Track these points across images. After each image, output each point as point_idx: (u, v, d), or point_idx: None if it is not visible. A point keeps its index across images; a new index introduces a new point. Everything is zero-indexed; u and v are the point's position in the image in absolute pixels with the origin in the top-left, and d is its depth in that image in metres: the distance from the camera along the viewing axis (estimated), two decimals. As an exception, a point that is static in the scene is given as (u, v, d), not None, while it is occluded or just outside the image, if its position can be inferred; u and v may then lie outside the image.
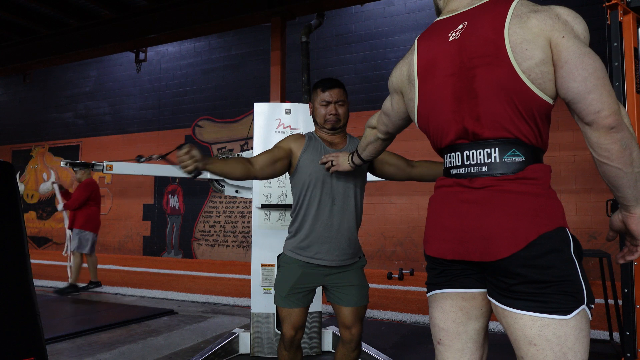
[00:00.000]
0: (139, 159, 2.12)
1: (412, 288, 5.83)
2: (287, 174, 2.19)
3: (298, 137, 2.06)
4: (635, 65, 2.65)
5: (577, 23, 1.02)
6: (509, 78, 1.02)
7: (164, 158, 1.82)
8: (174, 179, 9.79)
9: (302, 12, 4.80)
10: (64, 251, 5.77)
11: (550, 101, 1.03)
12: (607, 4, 2.65)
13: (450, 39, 1.14)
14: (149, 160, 1.96)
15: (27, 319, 1.59)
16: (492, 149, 1.07)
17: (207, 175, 3.13)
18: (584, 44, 1.00)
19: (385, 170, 2.03)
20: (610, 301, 3.49)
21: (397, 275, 6.78)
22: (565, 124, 6.69)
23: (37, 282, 5.75)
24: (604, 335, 3.51)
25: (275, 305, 2.63)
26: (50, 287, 5.77)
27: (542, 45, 1.00)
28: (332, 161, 1.88)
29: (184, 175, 1.78)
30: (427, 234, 1.21)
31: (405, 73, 1.26)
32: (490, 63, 1.05)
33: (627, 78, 2.66)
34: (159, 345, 3.27)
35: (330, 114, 1.98)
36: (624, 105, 2.68)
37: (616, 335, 3.32)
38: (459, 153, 1.13)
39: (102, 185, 10.82)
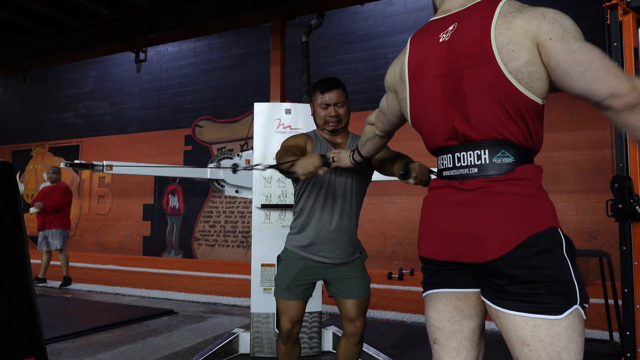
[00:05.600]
0: (234, 169, 2.05)
1: (412, 288, 5.83)
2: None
3: (306, 135, 2.07)
4: (635, 65, 2.65)
5: (563, 19, 1.00)
6: (495, 79, 1.02)
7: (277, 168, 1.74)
8: (174, 179, 9.80)
9: (302, 12, 4.79)
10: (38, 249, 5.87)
11: (539, 101, 1.03)
12: (607, 4, 2.65)
13: (440, 40, 1.14)
14: (252, 167, 1.95)
15: (27, 319, 1.59)
16: (482, 151, 1.08)
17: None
18: (573, 39, 0.98)
19: (386, 167, 2.03)
20: (610, 301, 3.49)
21: (397, 275, 6.78)
22: (565, 124, 6.69)
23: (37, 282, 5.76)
24: (604, 335, 3.51)
25: (275, 305, 2.63)
26: (50, 287, 5.78)
27: (528, 47, 1.00)
28: (333, 157, 1.89)
29: (289, 176, 1.72)
30: (420, 235, 1.22)
31: (398, 72, 1.27)
32: (478, 64, 1.05)
33: (627, 78, 2.65)
34: (159, 345, 3.27)
35: (330, 116, 1.97)
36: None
37: (616, 335, 3.32)
38: (450, 155, 1.14)
39: (102, 185, 10.83)
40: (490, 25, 1.03)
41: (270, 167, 1.81)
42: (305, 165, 1.62)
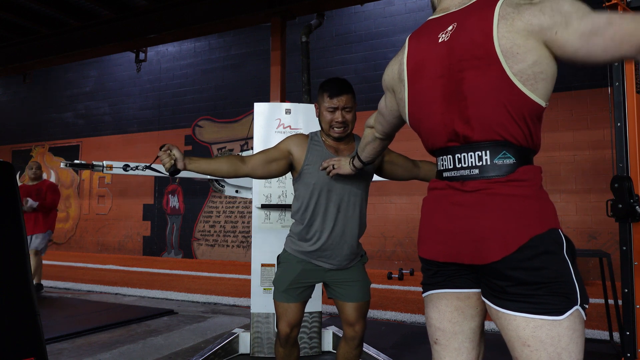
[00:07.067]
0: (125, 168, 2.14)
1: (412, 288, 5.83)
2: (289, 174, 2.17)
3: (300, 138, 2.01)
4: (635, 65, 2.65)
5: (560, 4, 0.97)
6: (499, 81, 1.01)
7: (150, 167, 1.91)
8: (174, 179, 9.80)
9: (302, 12, 4.80)
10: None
11: (542, 103, 1.02)
12: (607, 4, 2.65)
13: (439, 40, 1.13)
14: (135, 169, 2.01)
15: (27, 319, 1.59)
16: (483, 152, 1.07)
17: (198, 175, 3.13)
18: (577, 20, 0.94)
19: (394, 171, 2.01)
20: (610, 301, 3.48)
21: (397, 275, 6.78)
22: (565, 124, 6.69)
23: (37, 282, 5.75)
24: (604, 335, 3.51)
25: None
26: (50, 287, 5.78)
27: (534, 47, 0.98)
28: (333, 165, 1.86)
29: (165, 173, 1.84)
30: (421, 235, 1.22)
31: (397, 72, 1.26)
32: (479, 66, 1.04)
33: (627, 78, 2.66)
34: (159, 345, 3.27)
35: (337, 121, 1.91)
36: (624, 106, 2.68)
37: (616, 335, 3.32)
38: (451, 156, 1.13)
39: (102, 185, 10.83)
40: (492, 28, 1.02)
41: (148, 167, 1.90)
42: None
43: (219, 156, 1.90)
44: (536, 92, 1.01)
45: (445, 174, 1.15)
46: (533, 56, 0.99)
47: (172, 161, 1.73)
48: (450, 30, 1.11)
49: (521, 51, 0.99)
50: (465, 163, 1.10)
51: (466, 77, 1.06)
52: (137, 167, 2.01)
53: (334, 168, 1.86)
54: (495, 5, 1.04)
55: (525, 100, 1.01)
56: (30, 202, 5.11)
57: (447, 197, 1.13)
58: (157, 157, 1.77)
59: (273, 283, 2.04)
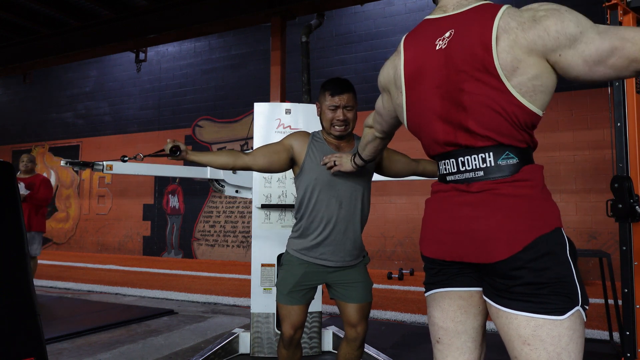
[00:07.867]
0: (123, 159, 2.18)
1: (412, 288, 5.83)
2: (291, 172, 2.18)
3: (302, 134, 2.03)
4: (635, 65, 2.65)
5: (565, 27, 0.97)
6: (498, 93, 1.01)
7: (150, 155, 1.99)
8: (174, 179, 9.80)
9: (302, 12, 4.80)
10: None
11: (540, 113, 1.03)
12: (607, 4, 2.65)
13: (437, 47, 1.12)
14: (134, 159, 2.07)
15: (27, 319, 1.59)
16: (487, 154, 1.07)
17: (198, 174, 3.14)
18: (581, 44, 0.96)
19: (392, 166, 2.03)
20: (610, 301, 3.49)
21: (397, 275, 6.78)
22: (565, 124, 6.69)
23: (37, 282, 5.76)
24: (604, 335, 3.51)
25: (275, 306, 2.61)
26: (51, 287, 5.78)
27: (535, 63, 0.99)
28: (334, 161, 1.87)
29: (165, 155, 1.93)
30: (424, 235, 1.22)
31: (392, 76, 1.25)
32: (478, 79, 1.04)
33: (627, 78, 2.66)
34: (159, 345, 3.27)
35: (338, 119, 1.93)
36: (624, 106, 2.68)
37: (616, 335, 3.32)
38: (454, 160, 1.13)
39: (102, 185, 10.83)
40: (491, 41, 1.01)
41: (148, 155, 2.05)
42: None
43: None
44: (535, 102, 1.02)
45: (449, 178, 1.15)
46: (534, 70, 0.99)
47: (173, 144, 1.86)
48: (448, 37, 1.10)
49: (522, 66, 0.99)
50: (469, 166, 1.10)
51: (465, 89, 1.06)
52: (136, 157, 2.09)
53: (335, 164, 1.86)
54: (495, 17, 1.02)
55: (523, 110, 1.02)
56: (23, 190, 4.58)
57: (452, 197, 1.13)
58: (162, 150, 1.89)
59: (276, 285, 2.04)
